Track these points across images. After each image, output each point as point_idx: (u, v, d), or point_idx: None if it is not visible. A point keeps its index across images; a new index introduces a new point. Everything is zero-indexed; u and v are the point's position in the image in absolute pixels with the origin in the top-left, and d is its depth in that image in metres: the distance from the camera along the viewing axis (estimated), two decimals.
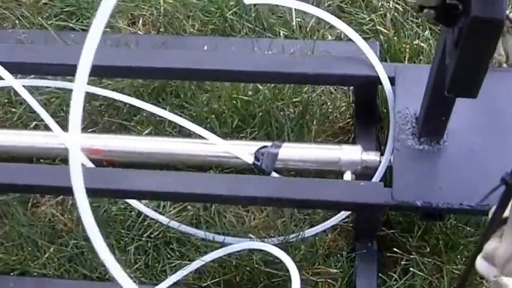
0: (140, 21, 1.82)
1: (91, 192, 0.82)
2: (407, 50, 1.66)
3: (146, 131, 1.62)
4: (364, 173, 1.49)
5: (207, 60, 1.47)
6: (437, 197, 1.26)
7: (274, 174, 1.49)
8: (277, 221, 1.52)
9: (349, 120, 1.64)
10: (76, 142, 0.81)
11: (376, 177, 1.44)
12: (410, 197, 1.27)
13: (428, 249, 1.43)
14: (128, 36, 1.76)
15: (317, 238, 1.47)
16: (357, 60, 1.47)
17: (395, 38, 1.70)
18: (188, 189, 1.33)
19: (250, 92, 1.62)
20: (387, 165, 1.43)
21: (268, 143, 1.51)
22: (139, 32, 1.80)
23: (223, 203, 1.47)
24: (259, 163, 1.49)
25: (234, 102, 1.61)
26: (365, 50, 1.45)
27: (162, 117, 1.55)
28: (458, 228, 1.44)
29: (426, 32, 1.70)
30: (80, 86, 0.80)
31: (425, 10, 0.96)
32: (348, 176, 1.48)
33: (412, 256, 1.43)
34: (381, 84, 1.43)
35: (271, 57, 1.53)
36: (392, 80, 1.42)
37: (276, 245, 1.42)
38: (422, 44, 1.68)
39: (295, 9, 1.77)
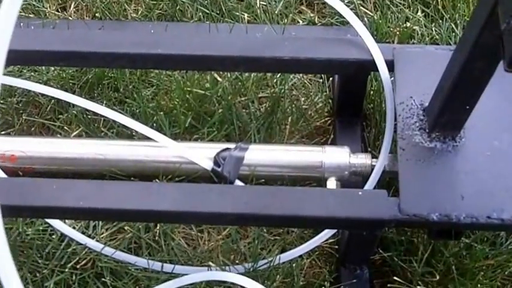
0: (72, 6, 1.50)
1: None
2: (397, 33, 1.37)
3: (75, 133, 1.28)
4: (351, 180, 1.20)
5: (153, 43, 1.15)
6: (458, 209, 0.97)
7: (238, 182, 1.17)
8: (240, 243, 1.20)
9: (328, 118, 1.34)
10: None
11: (369, 185, 1.14)
12: (424, 209, 0.97)
13: (437, 278, 1.13)
14: (56, 22, 1.44)
15: (294, 264, 1.16)
16: (341, 43, 1.17)
17: (380, 21, 1.40)
18: (126, 205, 1.01)
19: (207, 85, 1.31)
20: (382, 170, 1.14)
21: (231, 145, 1.21)
22: (70, 18, 1.48)
23: (171, 221, 1.14)
24: (219, 169, 1.18)
25: (187, 96, 1.30)
26: (357, 28, 1.15)
27: (95, 114, 1.23)
28: (474, 249, 1.14)
29: (418, 13, 1.41)
30: None
31: None
32: (332, 183, 1.18)
33: (418, 287, 1.12)
34: (375, 70, 1.13)
35: (233, 39, 1.21)
36: (390, 65, 1.12)
37: (243, 274, 1.11)
38: (414, 27, 1.39)
39: None
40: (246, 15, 1.46)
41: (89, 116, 1.28)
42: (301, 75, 1.38)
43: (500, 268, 1.13)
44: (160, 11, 1.48)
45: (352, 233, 1.06)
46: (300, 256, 1.18)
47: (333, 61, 1.14)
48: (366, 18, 1.42)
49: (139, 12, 1.48)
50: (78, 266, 1.17)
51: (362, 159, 1.19)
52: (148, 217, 1.06)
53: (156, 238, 1.19)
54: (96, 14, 1.48)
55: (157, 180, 1.19)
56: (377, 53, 1.12)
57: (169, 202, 1.01)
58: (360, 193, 1.01)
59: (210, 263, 1.15)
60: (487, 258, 1.13)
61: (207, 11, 1.47)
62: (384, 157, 1.14)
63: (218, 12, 1.48)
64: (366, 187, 1.14)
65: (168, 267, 1.15)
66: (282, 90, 1.33)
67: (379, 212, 0.99)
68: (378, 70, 1.22)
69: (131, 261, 1.15)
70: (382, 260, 1.17)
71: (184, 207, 1.01)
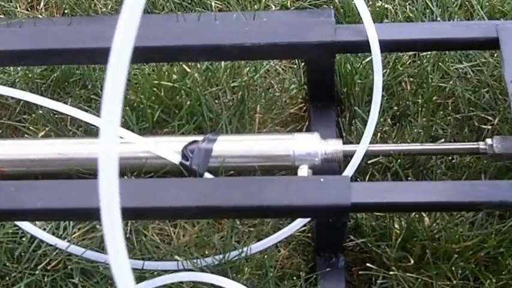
0: (42, 4, 1.48)
1: None
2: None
3: (42, 133, 1.26)
4: (324, 168, 1.17)
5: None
6: None
7: (207, 175, 1.15)
8: (215, 237, 1.17)
9: (302, 105, 1.31)
10: None
11: (349, 171, 1.11)
12: None
13: (412, 262, 1.09)
14: (22, 21, 1.41)
15: (266, 256, 1.13)
16: (307, 26, 1.14)
17: (353, 1, 1.36)
18: (83, 203, 0.98)
19: (175, 76, 1.28)
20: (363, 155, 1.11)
21: (200, 138, 1.18)
22: (40, 16, 1.46)
23: (131, 218, 1.12)
24: (188, 162, 1.16)
25: (155, 90, 1.27)
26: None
27: (62, 113, 1.21)
28: (449, 231, 1.11)
29: None
30: None
31: None
32: (303, 171, 1.15)
33: (391, 272, 1.09)
34: (343, 52, 1.10)
35: (195, 28, 1.18)
36: (492, 43, 1.10)
37: (213, 267, 1.09)
38: (386, 6, 1.35)
39: None
40: (214, 4, 1.43)
41: (56, 116, 1.26)
42: (274, 61, 1.35)
43: (476, 250, 1.09)
44: None
45: (318, 221, 1.03)
46: (276, 247, 1.16)
47: (295, 45, 1.12)
48: (336, 0, 1.38)
49: (109, 7, 1.45)
50: (49, 268, 1.14)
51: (333, 146, 1.16)
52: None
53: (128, 235, 1.17)
54: (66, 11, 1.45)
55: (125, 177, 1.17)
56: (372, 34, 1.09)
57: (127, 199, 0.98)
58: (322, 180, 0.98)
59: (177, 257, 1.12)
60: (463, 240, 1.10)
61: (178, 1, 1.44)
62: (366, 142, 1.11)
63: (190, 1, 1.45)
64: (345, 173, 1.12)
65: (139, 264, 1.12)
66: (254, 78, 1.30)
67: (341, 199, 0.96)
68: (346, 52, 1.20)
69: (101, 260, 1.13)
70: (357, 247, 1.14)
71: (143, 203, 0.99)
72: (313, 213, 1.00)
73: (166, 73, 1.29)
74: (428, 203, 0.98)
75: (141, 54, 1.12)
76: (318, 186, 0.98)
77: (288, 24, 1.15)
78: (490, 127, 1.22)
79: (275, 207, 0.97)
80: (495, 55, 1.29)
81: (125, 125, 1.21)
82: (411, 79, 1.29)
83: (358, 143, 1.21)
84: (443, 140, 1.21)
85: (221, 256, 1.11)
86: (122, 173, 1.17)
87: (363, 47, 1.14)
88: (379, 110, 1.15)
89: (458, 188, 1.00)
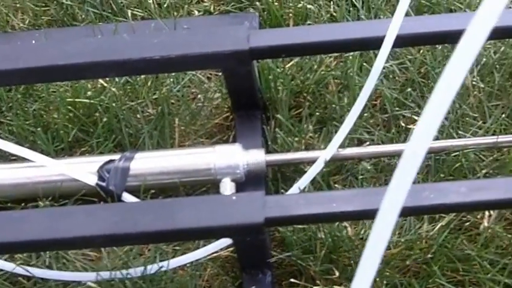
0: None
1: None
2: (291, 15, 1.30)
3: None
4: (250, 178, 1.13)
5: (15, 57, 1.08)
6: None
7: (126, 195, 1.11)
8: (140, 260, 1.12)
9: (228, 114, 1.27)
10: None
11: (302, 183, 1.07)
12: None
13: (337, 274, 1.05)
14: None
15: (190, 274, 1.09)
16: (220, 35, 1.10)
17: (276, 3, 1.32)
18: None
19: (89, 93, 1.23)
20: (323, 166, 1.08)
21: (116, 156, 1.14)
22: None
23: (36, 250, 1.07)
24: (104, 183, 1.11)
25: (71, 108, 1.22)
26: None
27: None
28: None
29: None
30: None
31: None
32: (225, 185, 1.11)
33: (316, 287, 1.05)
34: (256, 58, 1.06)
35: (102, 43, 1.12)
36: None
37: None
38: (309, 6, 1.31)
39: None
40: (136, 13, 1.38)
41: None
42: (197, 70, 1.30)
43: (403, 257, 1.06)
44: (49, 18, 1.41)
45: (235, 240, 0.99)
46: (202, 265, 1.12)
47: (207, 56, 1.07)
48: (257, 3, 1.34)
49: (26, 22, 1.40)
50: None
51: (255, 156, 1.12)
52: (11, 249, 0.98)
53: (48, 263, 1.12)
54: None
55: (40, 202, 1.12)
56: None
57: (31, 230, 0.94)
58: (234, 198, 0.94)
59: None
60: (389, 247, 1.06)
61: (97, 11, 1.39)
62: (333, 148, 1.07)
63: (110, 11, 1.40)
64: (293, 188, 1.08)
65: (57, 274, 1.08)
66: (174, 90, 1.26)
67: (254, 216, 0.92)
68: (261, 58, 1.16)
69: None
70: (284, 261, 1.10)
71: (48, 234, 0.94)
72: (227, 233, 0.95)
73: (83, 89, 1.24)
74: (344, 213, 0.94)
75: (47, 74, 1.08)
76: (230, 205, 0.94)
77: (201, 34, 1.10)
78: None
79: (187, 230, 0.93)
80: (421, 51, 1.25)
81: (38, 147, 1.16)
82: (337, 80, 1.25)
83: (284, 151, 1.18)
84: (368, 143, 1.17)
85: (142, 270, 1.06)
86: (35, 198, 1.13)
87: (279, 52, 1.10)
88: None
89: (369, 194, 0.96)
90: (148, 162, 1.14)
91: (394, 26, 1.02)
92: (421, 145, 0.42)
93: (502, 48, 1.24)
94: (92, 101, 1.23)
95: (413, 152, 0.43)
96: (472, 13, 1.18)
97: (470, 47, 0.42)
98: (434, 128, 0.42)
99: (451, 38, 1.08)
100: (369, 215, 0.96)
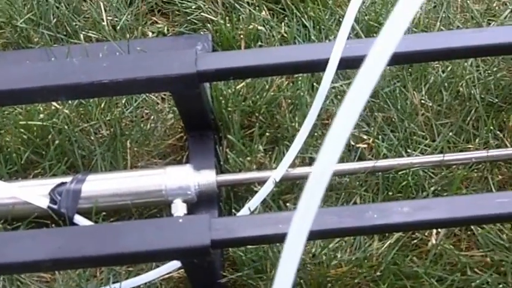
0: None
1: None
2: (242, 36, 1.31)
3: None
4: (202, 199, 1.14)
5: None
6: None
7: (78, 218, 1.11)
8: (93, 282, 1.13)
9: (182, 134, 1.28)
10: None
11: (253, 204, 1.08)
12: None
13: None
14: None
15: None
16: (167, 58, 1.11)
17: (228, 24, 1.34)
18: None
19: (41, 116, 1.23)
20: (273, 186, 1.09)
21: (69, 179, 1.14)
22: None
23: None
24: (56, 206, 1.11)
25: (23, 130, 1.23)
26: None
27: None
28: (329, 256, 1.08)
29: (263, 13, 1.35)
30: None
31: None
32: (177, 206, 1.12)
33: None
34: (205, 81, 1.08)
35: (51, 68, 1.12)
36: None
37: None
38: (260, 27, 1.32)
39: (104, 7, 1.41)
40: (92, 33, 1.39)
41: None
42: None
43: (352, 275, 1.07)
44: (4, 40, 1.41)
45: (183, 262, 1.00)
46: (155, 286, 1.12)
47: (155, 79, 1.08)
48: (208, 24, 1.35)
49: None
50: None
51: (206, 177, 1.13)
52: None
53: (1, 286, 1.12)
54: None
55: None
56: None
57: None
58: (181, 220, 0.95)
59: None
60: (339, 266, 1.08)
61: (52, 34, 1.40)
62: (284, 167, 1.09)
63: (65, 33, 1.41)
64: (244, 210, 1.09)
65: None
66: (126, 111, 1.27)
67: (200, 238, 0.92)
68: (209, 81, 1.17)
69: None
70: (236, 282, 1.11)
71: None
72: (174, 256, 0.96)
73: (36, 112, 1.24)
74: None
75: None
76: (177, 228, 0.94)
77: (149, 57, 1.11)
78: (365, 146, 1.20)
79: (133, 254, 0.94)
80: None
81: None
82: (288, 100, 1.26)
83: (236, 172, 1.19)
84: None
85: None
86: None
87: (227, 75, 1.11)
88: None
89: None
90: (99, 185, 1.14)
91: (337, 49, 1.04)
92: (324, 170, 0.44)
93: (450, 67, 1.26)
94: (45, 123, 1.23)
95: (317, 177, 0.44)
96: (413, 35, 1.22)
97: (369, 74, 0.43)
98: (337, 152, 0.44)
99: (393, 59, 1.10)
100: (314, 234, 0.97)
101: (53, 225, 1.14)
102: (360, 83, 0.43)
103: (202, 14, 1.39)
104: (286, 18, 1.35)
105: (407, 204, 0.96)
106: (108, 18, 1.41)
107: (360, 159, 1.19)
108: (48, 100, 1.18)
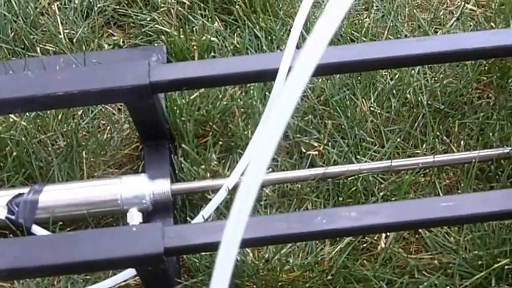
0: None
1: None
2: (196, 47, 1.34)
3: None
4: (158, 208, 1.16)
5: None
6: None
7: (36, 228, 1.13)
8: None
9: (138, 144, 1.30)
10: None
11: (207, 212, 1.11)
12: None
13: None
14: None
15: None
16: (121, 69, 1.13)
17: (181, 36, 1.37)
18: None
19: (0, 128, 1.25)
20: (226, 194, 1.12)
21: (26, 190, 1.16)
22: None
23: None
24: (13, 216, 1.13)
25: None
26: None
27: None
28: (282, 261, 1.11)
29: (215, 24, 1.38)
30: None
31: None
32: (132, 215, 1.14)
33: None
34: (157, 92, 1.10)
35: (8, 81, 1.15)
36: None
37: None
38: (212, 38, 1.35)
39: (61, 21, 1.43)
40: (49, 46, 1.41)
41: None
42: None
43: (304, 279, 1.10)
44: None
45: (138, 270, 1.02)
46: None
47: (109, 91, 1.10)
48: (162, 36, 1.38)
49: None
50: None
51: (161, 186, 1.16)
52: None
53: None
54: None
55: None
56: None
57: None
58: (134, 229, 0.98)
59: None
60: (292, 270, 1.11)
61: (10, 47, 1.41)
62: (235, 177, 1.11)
63: (22, 47, 1.42)
64: (204, 212, 1.12)
65: None
66: (82, 123, 1.29)
67: (153, 246, 0.95)
68: (163, 92, 1.20)
69: None
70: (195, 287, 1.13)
71: None
72: (128, 264, 0.99)
73: None
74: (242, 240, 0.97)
75: None
76: (130, 237, 0.97)
77: (103, 69, 1.14)
78: (316, 152, 1.23)
79: (89, 262, 0.96)
80: (320, 80, 1.30)
81: None
82: (241, 109, 1.29)
83: (190, 180, 1.21)
84: (270, 169, 1.22)
85: None
86: None
87: (179, 85, 1.14)
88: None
89: (265, 221, 1.00)
90: (56, 195, 1.17)
91: (286, 59, 1.07)
92: (253, 181, 0.46)
93: (398, 75, 1.30)
94: (2, 136, 1.25)
95: (247, 187, 0.47)
96: (361, 44, 1.26)
97: (294, 87, 0.46)
98: (265, 163, 0.46)
99: (347, 67, 1.14)
100: (267, 240, 1.00)
101: (11, 235, 1.15)
102: (286, 94, 0.46)
103: (156, 26, 1.41)
104: (238, 29, 1.38)
105: (355, 209, 1.00)
106: (65, 31, 1.43)
107: (311, 165, 1.23)
108: (6, 112, 1.20)
